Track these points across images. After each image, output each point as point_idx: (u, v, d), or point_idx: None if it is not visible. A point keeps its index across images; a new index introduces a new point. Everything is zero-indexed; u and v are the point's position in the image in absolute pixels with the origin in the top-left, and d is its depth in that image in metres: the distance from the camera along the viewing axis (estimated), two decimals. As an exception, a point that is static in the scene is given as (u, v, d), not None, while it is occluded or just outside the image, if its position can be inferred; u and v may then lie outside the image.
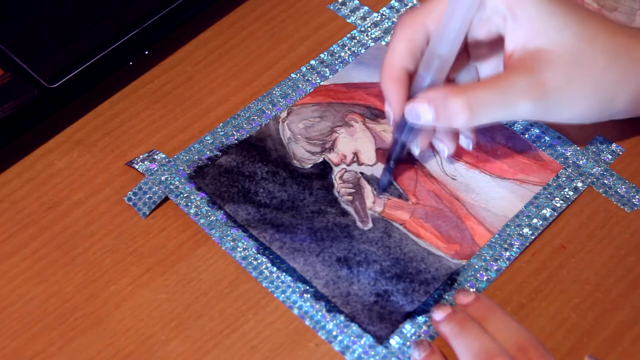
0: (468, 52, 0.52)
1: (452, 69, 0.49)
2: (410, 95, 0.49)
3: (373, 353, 0.47)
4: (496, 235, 0.51)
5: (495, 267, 0.50)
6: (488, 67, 0.52)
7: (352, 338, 0.47)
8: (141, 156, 0.54)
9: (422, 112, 0.47)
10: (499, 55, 0.51)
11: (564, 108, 0.47)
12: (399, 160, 0.52)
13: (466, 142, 0.53)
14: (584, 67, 0.47)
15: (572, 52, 0.47)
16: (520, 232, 0.51)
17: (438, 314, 0.46)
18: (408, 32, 0.49)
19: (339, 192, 0.53)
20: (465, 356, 0.44)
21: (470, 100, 0.46)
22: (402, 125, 0.50)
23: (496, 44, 0.50)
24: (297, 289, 0.49)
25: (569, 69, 0.46)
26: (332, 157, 0.54)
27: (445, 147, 0.52)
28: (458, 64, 0.51)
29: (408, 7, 0.63)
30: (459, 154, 0.54)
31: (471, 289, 0.49)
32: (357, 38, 0.61)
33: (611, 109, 0.49)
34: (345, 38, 0.61)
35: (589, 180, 0.53)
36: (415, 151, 0.52)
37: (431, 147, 0.54)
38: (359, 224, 0.51)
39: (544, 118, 0.49)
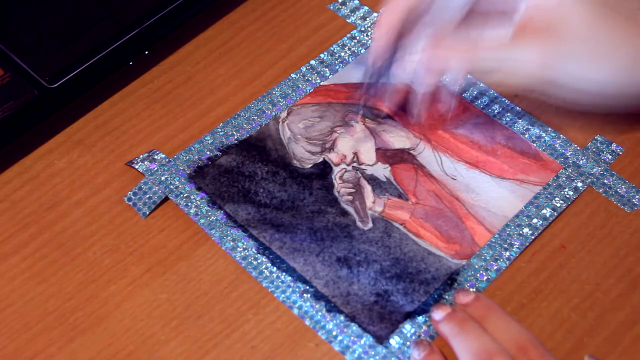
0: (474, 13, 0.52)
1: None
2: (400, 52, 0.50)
3: (373, 353, 0.47)
4: (496, 235, 0.51)
5: (495, 267, 0.50)
6: (494, 31, 0.52)
7: (352, 338, 0.47)
8: (141, 156, 0.54)
9: (407, 67, 0.48)
10: (505, 22, 0.50)
11: (583, 61, 0.47)
12: (369, 103, 0.53)
13: (447, 105, 0.53)
14: (603, 32, 0.47)
15: (592, 16, 0.47)
16: (520, 232, 0.51)
17: (438, 314, 0.46)
18: None
19: (339, 192, 0.53)
20: (465, 356, 0.44)
21: (469, 41, 0.47)
22: (383, 69, 0.50)
23: (499, 17, 0.50)
24: (297, 289, 0.49)
25: (588, 26, 0.46)
26: (332, 157, 0.54)
27: (417, 111, 0.52)
28: (462, 25, 0.51)
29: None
30: (458, 154, 0.54)
31: (471, 289, 0.49)
32: (357, 38, 0.61)
33: (631, 80, 0.49)
34: (345, 38, 0.61)
35: (589, 180, 0.53)
36: (387, 101, 0.52)
37: (430, 142, 0.54)
38: (359, 223, 0.51)
39: (557, 69, 0.47)
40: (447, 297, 0.49)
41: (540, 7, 0.47)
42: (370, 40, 0.60)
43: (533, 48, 0.46)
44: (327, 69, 0.59)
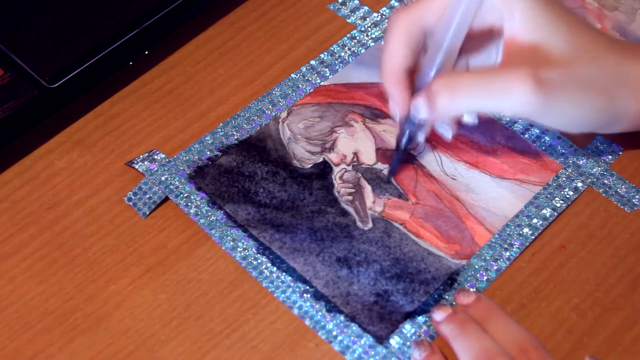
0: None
1: None
2: (414, 89, 0.50)
3: (373, 353, 0.47)
4: (496, 235, 0.51)
5: (495, 267, 0.50)
6: (478, 59, 0.52)
7: (352, 338, 0.47)
8: (141, 156, 0.54)
9: (420, 106, 0.48)
10: (488, 49, 0.51)
11: (559, 110, 0.47)
12: (407, 149, 0.53)
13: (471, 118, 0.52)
14: (575, 72, 0.47)
15: (565, 56, 0.47)
16: (520, 232, 0.51)
17: (438, 315, 0.46)
18: (405, 30, 0.49)
19: (339, 192, 0.53)
20: (465, 357, 0.44)
21: (451, 82, 0.47)
22: (409, 118, 0.50)
23: (486, 38, 0.50)
24: (297, 289, 0.49)
25: (563, 70, 0.46)
26: (332, 157, 0.54)
27: (445, 132, 0.52)
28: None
29: (408, 7, 0.63)
30: (458, 154, 0.54)
31: (471, 289, 0.49)
32: (357, 38, 0.61)
33: (599, 122, 0.49)
34: (345, 38, 0.61)
35: (589, 180, 0.53)
36: (421, 138, 0.52)
37: (430, 142, 0.54)
38: (359, 224, 0.51)
39: (537, 117, 0.47)
40: (447, 297, 0.49)
41: (524, 43, 0.47)
42: (370, 41, 0.60)
43: (521, 89, 0.46)
44: (327, 69, 0.59)
